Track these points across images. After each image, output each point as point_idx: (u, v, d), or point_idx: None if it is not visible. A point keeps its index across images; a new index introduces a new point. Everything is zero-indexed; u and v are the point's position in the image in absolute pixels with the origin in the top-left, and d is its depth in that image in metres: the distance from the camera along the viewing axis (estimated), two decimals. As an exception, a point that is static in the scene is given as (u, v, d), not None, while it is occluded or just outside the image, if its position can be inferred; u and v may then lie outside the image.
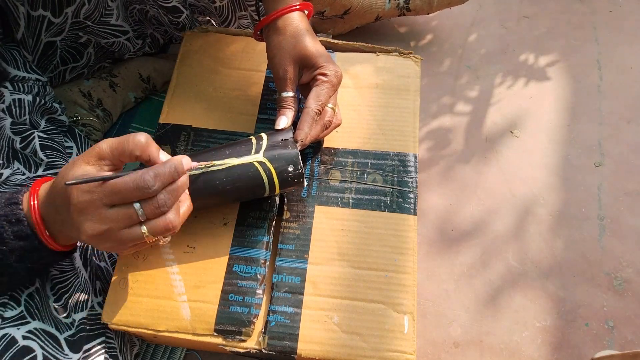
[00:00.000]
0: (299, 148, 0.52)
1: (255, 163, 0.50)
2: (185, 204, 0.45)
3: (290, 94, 0.55)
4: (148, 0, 0.69)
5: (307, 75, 0.56)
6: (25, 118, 0.62)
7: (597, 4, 1.05)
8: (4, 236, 0.42)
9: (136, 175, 0.39)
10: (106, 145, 0.41)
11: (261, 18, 0.58)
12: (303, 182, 0.52)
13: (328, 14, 0.90)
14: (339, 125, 0.60)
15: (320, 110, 0.54)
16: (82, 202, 0.39)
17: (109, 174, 0.41)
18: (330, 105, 0.56)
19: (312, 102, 0.53)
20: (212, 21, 0.78)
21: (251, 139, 0.53)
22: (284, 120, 0.54)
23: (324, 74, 0.54)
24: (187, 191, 0.46)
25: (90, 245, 0.58)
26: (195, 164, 0.46)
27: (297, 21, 0.55)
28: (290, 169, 0.51)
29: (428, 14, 0.97)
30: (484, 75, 0.97)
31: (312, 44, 0.55)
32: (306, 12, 0.58)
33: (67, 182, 0.39)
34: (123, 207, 0.40)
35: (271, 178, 0.50)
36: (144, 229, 0.41)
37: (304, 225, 0.56)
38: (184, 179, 0.43)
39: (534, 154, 0.89)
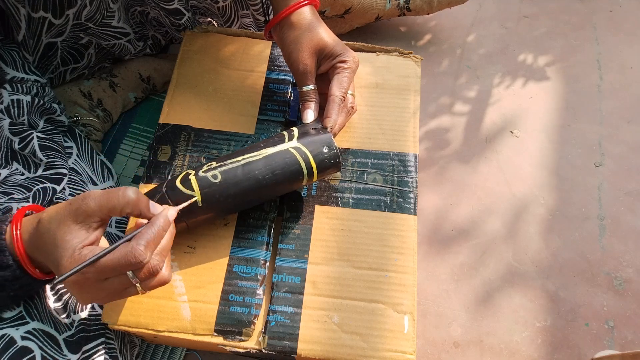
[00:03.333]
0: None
1: (290, 149, 0.51)
2: (168, 256, 0.45)
3: (311, 87, 0.56)
4: (149, 2, 0.69)
5: (325, 65, 0.57)
6: (23, 119, 0.62)
7: (597, 4, 1.05)
8: None
9: (126, 251, 0.39)
10: (94, 203, 0.40)
11: (269, 17, 0.58)
12: (339, 163, 0.52)
13: (329, 14, 0.90)
14: (355, 111, 0.61)
15: (344, 97, 0.55)
16: (77, 281, 0.39)
17: (97, 234, 0.41)
18: (350, 92, 0.57)
19: (336, 90, 0.54)
20: (214, 22, 0.78)
21: (282, 132, 0.54)
22: (310, 114, 0.55)
23: (344, 61, 0.55)
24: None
25: None
26: (176, 209, 0.46)
27: (309, 14, 0.56)
28: (325, 150, 0.51)
29: (428, 14, 0.97)
30: (483, 75, 0.97)
31: (328, 34, 0.56)
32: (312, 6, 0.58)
33: (56, 281, 0.38)
34: (116, 278, 0.40)
35: (308, 162, 0.51)
36: (138, 287, 0.41)
37: (304, 225, 0.56)
38: (172, 230, 0.43)
39: (534, 154, 0.89)
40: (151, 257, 0.40)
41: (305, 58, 0.55)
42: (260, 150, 0.51)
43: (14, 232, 0.42)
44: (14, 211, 0.52)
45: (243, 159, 0.51)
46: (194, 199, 0.48)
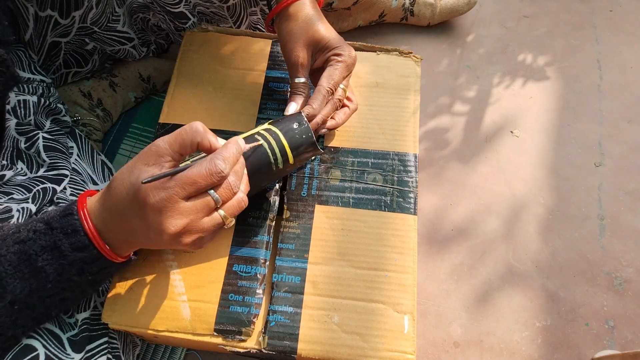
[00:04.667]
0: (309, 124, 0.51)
1: (261, 131, 0.50)
2: (244, 182, 0.45)
3: (302, 79, 0.55)
4: (154, 7, 0.69)
5: (320, 59, 0.56)
6: (30, 119, 0.62)
7: (597, 4, 1.05)
8: (62, 249, 0.41)
9: (207, 163, 0.40)
10: (162, 142, 0.41)
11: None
12: (312, 138, 0.50)
13: (337, 6, 0.90)
14: (355, 110, 0.60)
15: (332, 90, 0.54)
16: (159, 200, 0.39)
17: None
18: (342, 86, 0.56)
19: (324, 81, 0.54)
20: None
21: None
22: (293, 106, 0.55)
23: (338, 54, 0.54)
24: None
25: None
26: (246, 145, 0.46)
27: (308, 7, 0.56)
28: (295, 125, 0.50)
29: (429, 24, 0.99)
30: (483, 75, 0.97)
31: (324, 28, 0.55)
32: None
33: (144, 180, 0.38)
34: (199, 197, 0.41)
35: (279, 140, 0.49)
36: (221, 212, 0.42)
37: (304, 225, 0.56)
38: (243, 161, 0.44)
39: (534, 153, 0.89)
40: (229, 172, 0.41)
41: (298, 50, 0.54)
42: (232, 138, 0.51)
43: (82, 211, 0.42)
44: (14, 212, 0.52)
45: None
46: (260, 142, 0.48)
